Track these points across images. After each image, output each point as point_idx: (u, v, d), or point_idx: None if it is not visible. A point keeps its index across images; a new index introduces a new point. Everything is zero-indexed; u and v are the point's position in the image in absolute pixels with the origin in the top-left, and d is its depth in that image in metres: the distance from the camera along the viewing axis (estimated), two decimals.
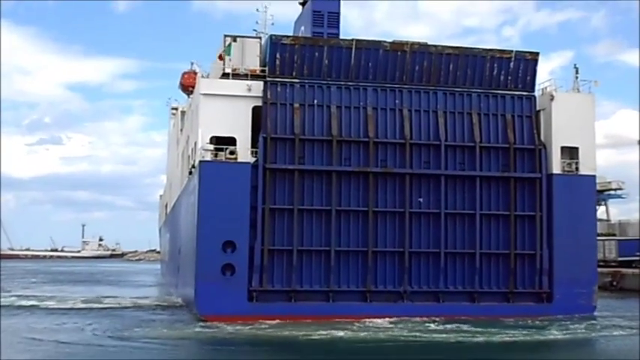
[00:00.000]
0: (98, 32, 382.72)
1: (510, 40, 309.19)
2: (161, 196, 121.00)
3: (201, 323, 43.99)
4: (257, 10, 61.07)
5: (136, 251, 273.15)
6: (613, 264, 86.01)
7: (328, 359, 35.06)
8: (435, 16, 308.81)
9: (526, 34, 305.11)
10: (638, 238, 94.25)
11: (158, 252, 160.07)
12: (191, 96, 66.50)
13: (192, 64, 79.16)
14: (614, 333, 42.58)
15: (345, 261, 47.97)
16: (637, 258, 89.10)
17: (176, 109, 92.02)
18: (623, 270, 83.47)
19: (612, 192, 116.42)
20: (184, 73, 79.52)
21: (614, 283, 79.26)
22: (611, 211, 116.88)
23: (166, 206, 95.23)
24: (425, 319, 45.79)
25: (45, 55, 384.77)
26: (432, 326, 43.67)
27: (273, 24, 59.96)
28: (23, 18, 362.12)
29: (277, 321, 44.19)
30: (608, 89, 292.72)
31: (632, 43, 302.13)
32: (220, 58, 50.94)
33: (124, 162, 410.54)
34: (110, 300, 60.96)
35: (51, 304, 57.10)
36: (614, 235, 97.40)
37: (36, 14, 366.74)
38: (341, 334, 40.39)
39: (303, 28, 55.59)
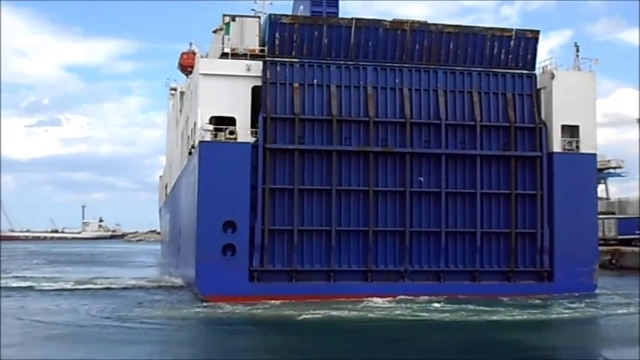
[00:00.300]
0: (95, 13, 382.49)
1: (509, 19, 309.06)
2: (161, 177, 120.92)
3: (203, 304, 43.97)
4: None
5: (136, 232, 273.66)
6: (612, 242, 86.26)
7: (326, 339, 34.87)
8: None
9: (525, 13, 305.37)
10: (637, 216, 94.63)
11: (158, 233, 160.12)
12: (190, 76, 66.30)
13: (190, 44, 79.14)
14: (618, 311, 42.33)
15: (346, 241, 47.89)
16: (636, 236, 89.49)
17: (175, 89, 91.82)
18: (623, 248, 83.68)
19: (612, 170, 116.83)
20: (183, 53, 79.36)
21: (614, 262, 79.38)
22: (610, 190, 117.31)
23: (166, 187, 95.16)
24: (426, 298, 45.69)
25: (42, 37, 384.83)
26: (436, 305, 43.46)
27: (271, 4, 59.59)
28: None
29: (280, 301, 44.12)
30: (607, 68, 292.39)
31: (630, 22, 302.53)
32: (216, 32, 50.73)
33: (124, 143, 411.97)
34: (110, 280, 60.72)
35: (50, 285, 56.68)
36: (613, 213, 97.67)
37: None
38: (341, 313, 40.36)
39: (302, 7, 55.15)
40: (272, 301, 44.15)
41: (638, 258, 78.71)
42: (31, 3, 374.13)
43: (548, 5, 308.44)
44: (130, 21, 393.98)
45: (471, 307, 42.43)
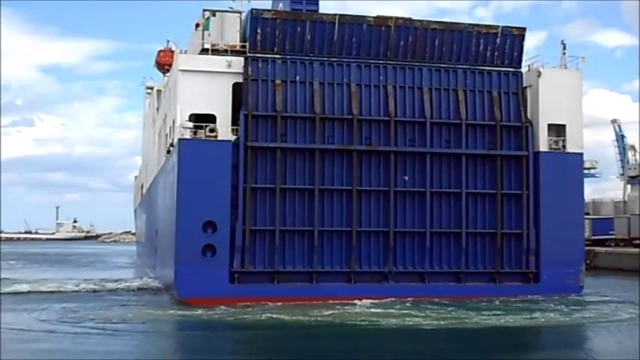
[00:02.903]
0: (71, 13, 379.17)
1: (483, 21, 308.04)
2: (136, 177, 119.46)
3: (180, 306, 42.74)
4: None
5: (110, 233, 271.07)
6: (586, 243, 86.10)
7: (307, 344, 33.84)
8: None
9: (499, 16, 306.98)
10: (611, 217, 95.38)
11: (133, 233, 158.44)
12: (167, 74, 65.01)
13: (168, 41, 77.66)
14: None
15: (329, 241, 46.80)
16: (610, 237, 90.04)
17: (151, 88, 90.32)
18: (597, 249, 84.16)
19: (586, 171, 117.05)
20: (160, 51, 77.75)
21: (588, 262, 79.01)
22: (584, 190, 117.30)
23: (142, 187, 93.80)
24: (398, 300, 44.52)
25: (17, 37, 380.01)
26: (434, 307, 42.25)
27: (249, 1, 58.10)
28: None
29: (263, 303, 42.85)
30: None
31: (603, 23, 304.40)
32: (198, 26, 49.52)
33: (98, 144, 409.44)
34: (82, 283, 58.56)
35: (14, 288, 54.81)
36: (587, 214, 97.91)
37: None
38: (285, 317, 39.25)
39: (281, 4, 53.80)
40: (252, 304, 42.86)
41: (612, 258, 79.11)
42: (7, 2, 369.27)
43: (521, 7, 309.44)
44: (106, 21, 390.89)
45: (459, 310, 41.23)
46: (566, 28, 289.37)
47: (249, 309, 41.47)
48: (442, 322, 37.69)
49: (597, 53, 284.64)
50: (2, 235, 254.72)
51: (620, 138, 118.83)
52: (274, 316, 39.31)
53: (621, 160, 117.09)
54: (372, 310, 41.62)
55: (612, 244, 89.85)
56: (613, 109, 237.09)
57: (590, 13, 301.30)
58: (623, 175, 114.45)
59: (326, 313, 40.25)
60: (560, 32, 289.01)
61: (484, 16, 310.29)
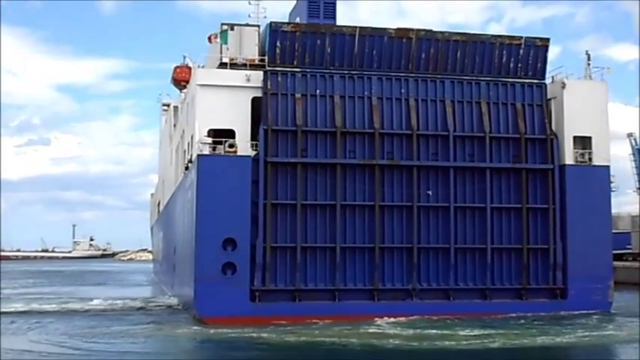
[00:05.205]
0: (86, 33, 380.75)
1: None
2: (152, 194, 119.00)
3: (200, 326, 41.88)
4: (249, 3, 58.11)
5: (127, 251, 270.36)
6: None
7: None
8: (419, 14, 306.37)
9: (512, 31, 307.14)
10: (628, 231, 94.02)
11: (150, 251, 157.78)
12: (184, 90, 64.40)
13: (184, 57, 77.17)
14: None
15: (352, 258, 45.80)
16: (627, 251, 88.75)
17: (168, 105, 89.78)
18: (614, 263, 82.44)
19: None
20: (177, 67, 77.23)
21: None
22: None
23: (158, 205, 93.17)
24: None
25: (33, 56, 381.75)
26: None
27: (265, 17, 57.05)
28: (11, 18, 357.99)
29: (285, 322, 42.00)
30: None
31: (616, 38, 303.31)
32: (210, 40, 48.78)
33: (113, 162, 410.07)
34: (100, 301, 57.79)
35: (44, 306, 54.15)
36: None
37: (24, 15, 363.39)
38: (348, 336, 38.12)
39: (298, 19, 53.23)
40: (273, 323, 41.92)
41: (630, 273, 78.18)
42: (23, 22, 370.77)
43: (534, 22, 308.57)
44: (120, 40, 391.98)
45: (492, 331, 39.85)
46: (580, 43, 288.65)
47: (270, 328, 40.52)
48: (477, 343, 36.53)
49: (611, 67, 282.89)
50: (19, 253, 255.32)
51: (637, 152, 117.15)
52: (295, 337, 38.24)
53: (638, 174, 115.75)
54: (399, 330, 40.16)
55: (630, 259, 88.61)
56: (628, 122, 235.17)
57: (602, 27, 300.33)
58: (639, 189, 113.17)
59: (353, 331, 39.22)
60: (574, 47, 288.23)
61: (497, 31, 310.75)
